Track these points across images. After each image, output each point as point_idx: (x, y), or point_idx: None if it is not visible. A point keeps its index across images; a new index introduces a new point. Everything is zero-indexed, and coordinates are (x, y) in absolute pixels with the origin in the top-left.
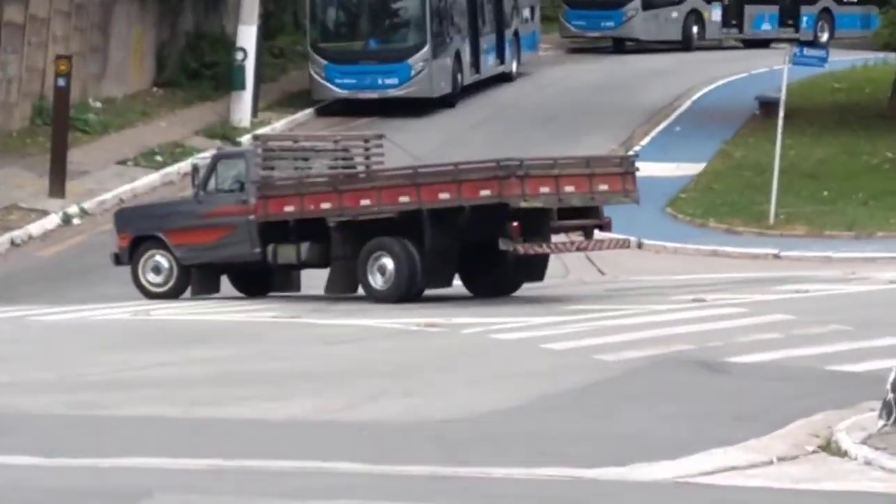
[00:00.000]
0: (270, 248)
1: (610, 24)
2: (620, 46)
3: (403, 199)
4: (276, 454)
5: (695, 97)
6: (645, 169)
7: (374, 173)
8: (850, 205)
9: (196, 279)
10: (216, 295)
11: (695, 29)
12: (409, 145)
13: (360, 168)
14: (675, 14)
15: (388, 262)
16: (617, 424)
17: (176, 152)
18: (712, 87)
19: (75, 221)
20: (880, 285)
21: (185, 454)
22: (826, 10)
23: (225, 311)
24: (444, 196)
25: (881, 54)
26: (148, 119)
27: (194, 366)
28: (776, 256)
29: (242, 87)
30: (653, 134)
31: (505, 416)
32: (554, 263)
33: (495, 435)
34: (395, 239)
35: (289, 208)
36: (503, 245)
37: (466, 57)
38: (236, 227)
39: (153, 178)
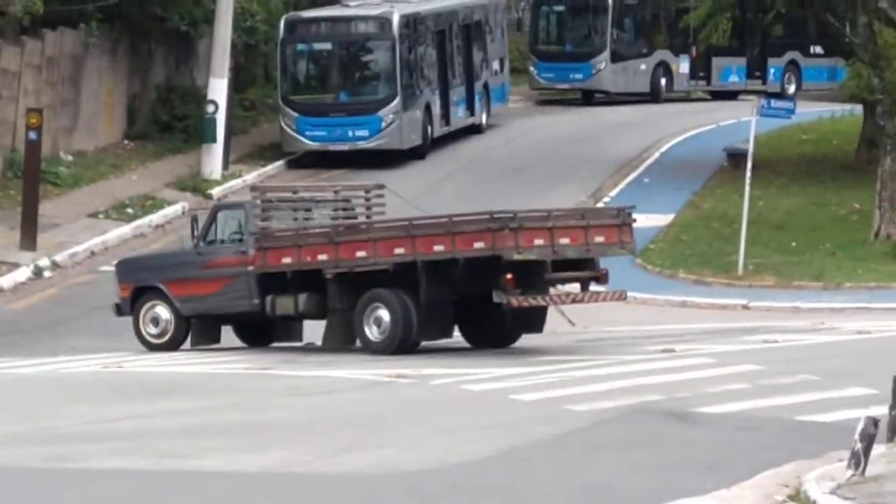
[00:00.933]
0: (269, 299)
1: (579, 76)
2: (589, 98)
3: (399, 250)
4: None
5: (663, 149)
6: None
7: (369, 225)
8: (818, 255)
9: (196, 330)
10: (215, 346)
11: (663, 81)
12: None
13: (362, 219)
14: (643, 66)
15: (384, 314)
16: (588, 475)
17: (147, 205)
18: (681, 138)
19: (46, 274)
20: (848, 335)
21: None
22: (793, 62)
23: (196, 363)
24: (438, 248)
25: (848, 106)
26: (119, 172)
27: (165, 418)
28: (745, 307)
29: (213, 139)
30: (622, 185)
31: (477, 468)
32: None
33: (467, 486)
34: (391, 291)
35: (286, 259)
36: (497, 297)
37: (436, 109)
38: (235, 278)
39: (124, 230)
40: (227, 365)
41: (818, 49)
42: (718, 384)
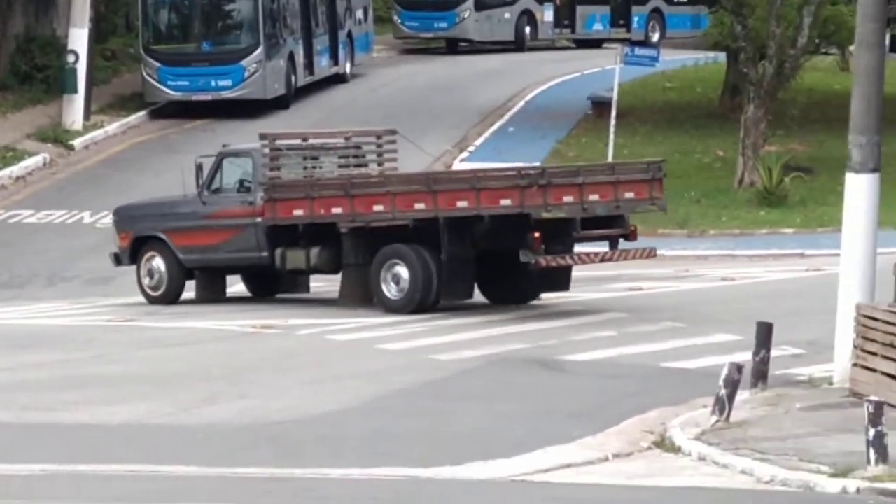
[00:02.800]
0: (279, 252)
1: (443, 24)
2: (454, 47)
3: (419, 205)
4: (111, 458)
5: (528, 97)
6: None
7: (387, 178)
8: (683, 203)
9: (201, 284)
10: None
11: (527, 29)
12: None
13: (373, 167)
14: (507, 15)
15: (403, 271)
16: (452, 424)
17: (7, 156)
18: (545, 87)
19: None
20: (712, 283)
21: (19, 460)
22: (657, 10)
23: (58, 316)
24: (462, 204)
25: (711, 54)
26: None
27: (27, 371)
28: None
29: (74, 90)
30: (486, 134)
31: (341, 417)
32: None
33: (332, 436)
34: (410, 247)
35: (298, 212)
36: (524, 257)
37: (300, 58)
38: (242, 230)
39: None
40: (88, 318)
41: None
42: (584, 332)
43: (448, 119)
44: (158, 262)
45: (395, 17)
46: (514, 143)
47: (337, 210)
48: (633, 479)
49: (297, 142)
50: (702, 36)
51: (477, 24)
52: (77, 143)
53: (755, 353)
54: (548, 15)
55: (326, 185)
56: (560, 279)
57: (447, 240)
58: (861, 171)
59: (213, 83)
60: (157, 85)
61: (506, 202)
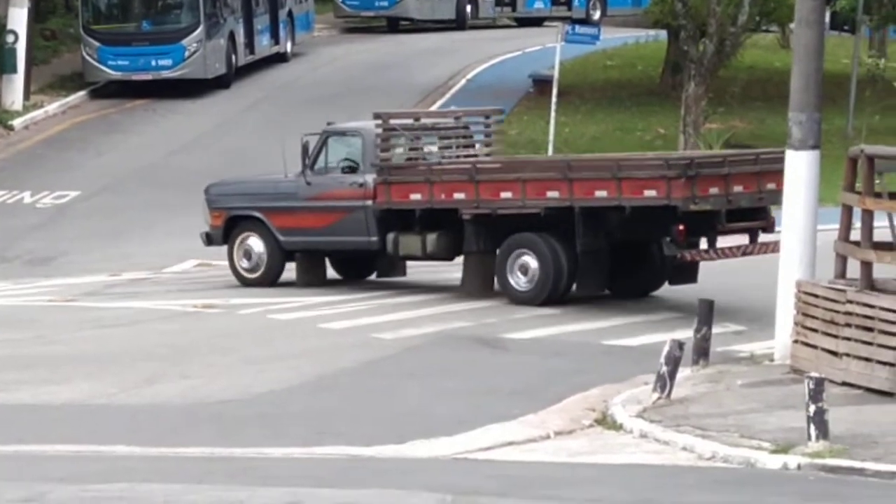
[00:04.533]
0: (391, 237)
1: (384, 3)
2: (395, 26)
3: (552, 194)
4: (53, 438)
5: (469, 76)
6: None
7: (519, 164)
8: None
9: (302, 267)
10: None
11: (468, 8)
12: (184, 127)
13: (479, 146)
14: None
15: (532, 262)
16: (395, 402)
17: None
18: (486, 65)
19: None
20: None
21: None
22: None
23: (0, 296)
24: (601, 194)
25: (652, 32)
26: None
27: None
28: None
29: (14, 70)
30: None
31: (283, 397)
32: None
33: (273, 415)
34: (540, 236)
35: (415, 196)
36: (668, 250)
37: (241, 38)
38: (350, 213)
39: None
40: (31, 298)
41: None
42: (526, 310)
43: (389, 98)
44: (255, 244)
45: None
46: None
47: (460, 196)
48: (575, 456)
49: (409, 121)
50: (643, 14)
51: (418, 3)
52: (17, 123)
53: (697, 330)
54: None
55: (449, 169)
56: (689, 272)
57: (582, 231)
58: (801, 148)
59: (153, 63)
60: (97, 65)
61: (650, 193)
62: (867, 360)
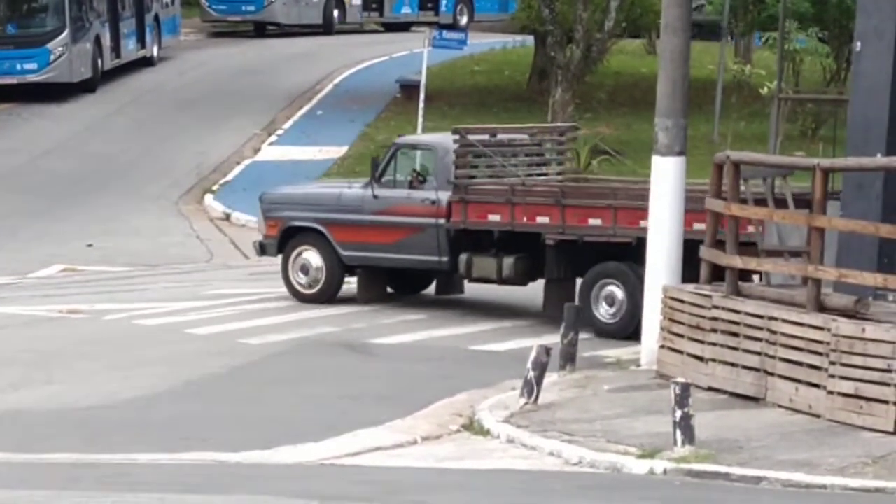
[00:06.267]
0: (464, 258)
1: (251, 8)
2: (262, 30)
3: (646, 223)
4: None
5: (336, 80)
6: (287, 153)
7: (612, 190)
8: None
9: (363, 284)
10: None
11: (336, 13)
12: (50, 132)
13: (553, 164)
14: None
15: (618, 292)
16: (262, 408)
17: None
18: (354, 70)
19: None
20: None
21: None
22: None
23: None
24: (700, 227)
25: (519, 37)
26: None
27: None
28: None
29: None
30: (295, 118)
31: (149, 402)
32: (198, 248)
33: (139, 421)
34: (628, 266)
35: (494, 217)
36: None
37: (106, 41)
38: (420, 230)
39: None
40: None
41: None
42: (393, 315)
43: (256, 103)
44: (313, 257)
45: (203, 1)
46: (323, 126)
47: (543, 219)
48: (443, 461)
49: (485, 137)
50: (510, 19)
51: (285, 8)
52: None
53: (563, 336)
54: None
55: (533, 190)
56: None
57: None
58: (667, 153)
59: (17, 66)
60: None
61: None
62: (733, 365)
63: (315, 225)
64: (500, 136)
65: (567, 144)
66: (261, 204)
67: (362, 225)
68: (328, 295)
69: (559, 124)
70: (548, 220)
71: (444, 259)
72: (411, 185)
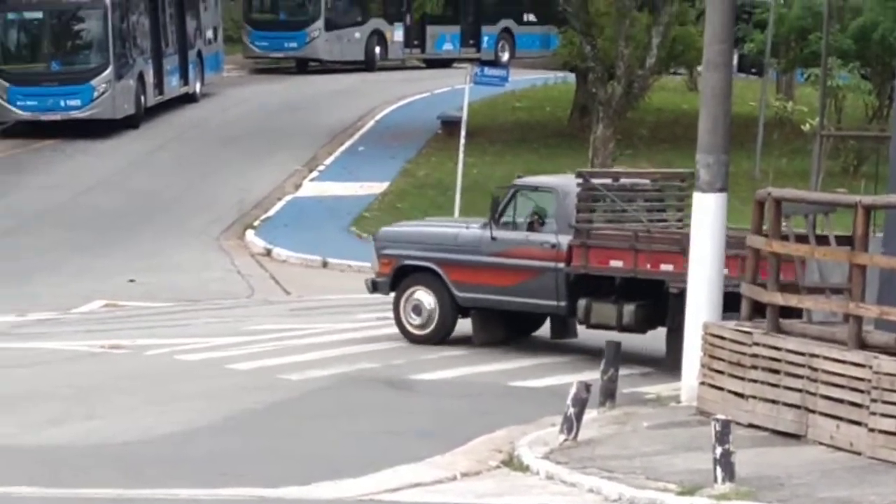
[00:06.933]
0: (582, 304)
1: (293, 44)
2: (304, 67)
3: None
4: None
5: (378, 117)
6: (328, 189)
7: (737, 238)
8: None
9: (479, 325)
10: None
11: (377, 49)
12: (93, 168)
13: (672, 210)
14: (357, 34)
15: None
16: (301, 443)
17: None
18: (395, 106)
19: None
20: None
21: None
22: (507, 30)
23: None
24: None
25: (561, 74)
26: None
27: None
28: None
29: None
30: (336, 154)
31: (187, 437)
32: (239, 283)
33: (177, 456)
34: None
35: (616, 263)
36: None
37: (150, 78)
38: (539, 274)
39: None
40: None
41: (531, 17)
42: (433, 351)
43: (298, 138)
44: (426, 297)
45: (246, 37)
46: (364, 162)
47: (667, 267)
48: (483, 497)
49: (608, 181)
50: (551, 56)
51: (327, 44)
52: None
53: (603, 372)
54: (398, 35)
55: (656, 237)
56: None
57: None
58: (708, 190)
59: (62, 103)
60: (6, 105)
61: None
62: (773, 402)
63: (430, 265)
64: (623, 181)
65: (687, 191)
66: (375, 241)
67: (479, 266)
68: (440, 336)
69: (679, 170)
70: (672, 267)
71: (562, 304)
72: (530, 228)
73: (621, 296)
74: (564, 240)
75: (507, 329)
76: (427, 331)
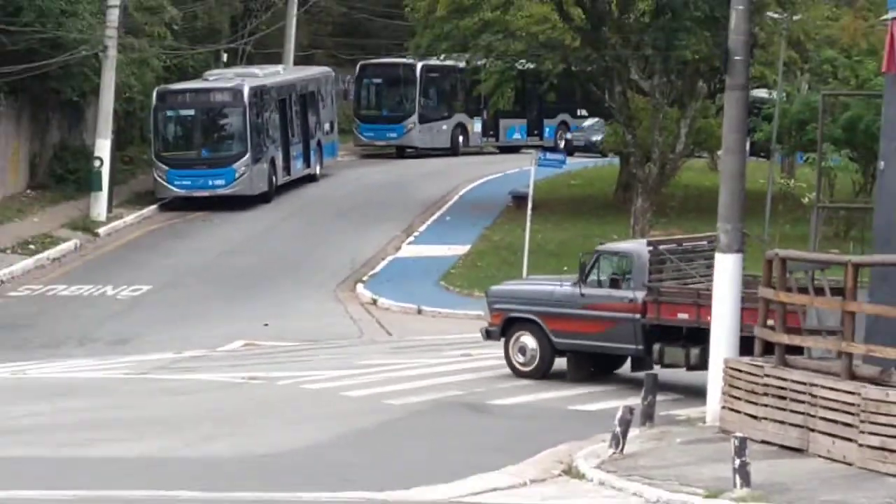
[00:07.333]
0: (657, 347)
1: (393, 135)
2: (402, 153)
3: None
4: (130, 486)
5: (461, 192)
6: (422, 251)
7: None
8: None
9: (573, 365)
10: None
11: (460, 138)
12: (234, 234)
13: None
14: (444, 126)
15: None
16: (402, 456)
17: (46, 242)
18: (475, 184)
19: None
20: None
21: (56, 487)
22: (564, 122)
23: (87, 370)
24: None
25: (607, 158)
26: (23, 215)
27: (61, 415)
28: None
29: (100, 188)
30: (429, 222)
31: (311, 451)
32: (351, 327)
33: (305, 467)
34: None
35: (682, 315)
36: None
37: (279, 162)
38: (620, 323)
39: (27, 263)
40: (111, 371)
41: (583, 112)
42: (507, 381)
43: (398, 210)
44: (529, 341)
45: (356, 129)
46: (451, 228)
47: None
48: (547, 500)
49: (674, 246)
50: (599, 142)
51: (420, 134)
52: (102, 231)
53: (643, 398)
54: (476, 126)
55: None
56: None
57: None
58: (727, 251)
59: (210, 182)
60: (166, 184)
61: None
62: (781, 422)
63: (532, 316)
64: (685, 245)
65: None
66: (487, 298)
67: (572, 317)
68: (542, 372)
69: (713, 233)
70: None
71: (640, 347)
72: (612, 285)
73: (688, 341)
74: (640, 295)
75: (596, 367)
76: (530, 368)
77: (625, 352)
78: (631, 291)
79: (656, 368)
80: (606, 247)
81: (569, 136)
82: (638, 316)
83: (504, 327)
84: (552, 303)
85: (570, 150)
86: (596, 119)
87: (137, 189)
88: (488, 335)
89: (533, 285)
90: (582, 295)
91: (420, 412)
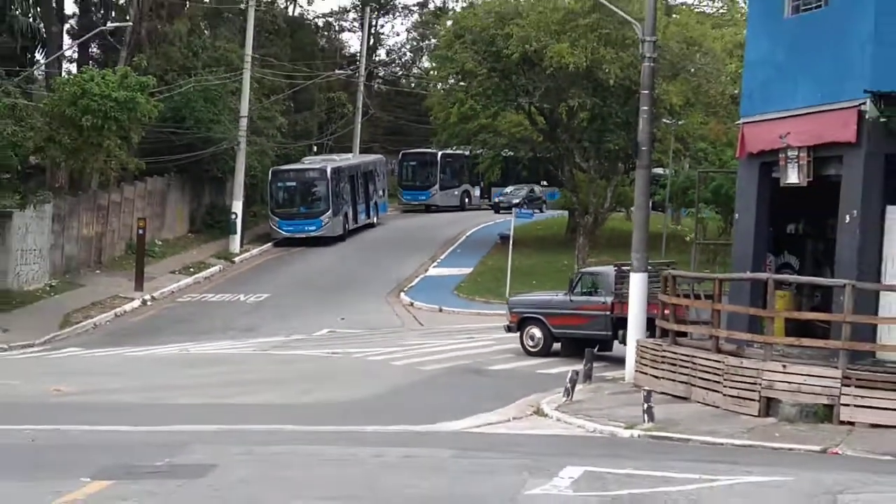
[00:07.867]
0: (621, 333)
1: (423, 198)
2: (429, 209)
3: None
4: (255, 422)
5: (468, 234)
6: (442, 272)
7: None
8: (547, 286)
9: (565, 346)
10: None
11: (466, 199)
12: (320, 261)
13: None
14: (456, 192)
15: None
16: (432, 401)
17: (200, 266)
18: (475, 228)
19: (148, 303)
20: None
21: (207, 422)
22: (532, 189)
23: (227, 348)
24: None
25: (560, 211)
26: (186, 250)
27: (210, 377)
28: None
29: (235, 232)
30: (447, 252)
31: (375, 399)
32: (396, 320)
33: (371, 408)
34: None
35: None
36: None
37: (350, 214)
38: (596, 318)
39: (188, 280)
40: (242, 349)
41: (545, 182)
42: (497, 354)
43: (427, 245)
44: (536, 332)
45: (399, 194)
46: (461, 258)
47: (655, 312)
48: (524, 430)
49: (627, 268)
50: (555, 202)
51: (441, 197)
52: (236, 259)
53: (585, 365)
54: (476, 192)
55: (656, 297)
56: None
57: None
58: (637, 272)
59: (305, 228)
60: (277, 229)
61: None
62: (673, 380)
63: (538, 315)
64: (649, 267)
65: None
66: (508, 304)
67: (564, 315)
68: (545, 352)
69: (668, 260)
70: (656, 312)
71: (609, 333)
72: (590, 294)
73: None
74: (609, 299)
75: (579, 347)
76: (537, 349)
77: (600, 336)
78: (604, 297)
79: (615, 344)
80: (586, 269)
81: (495, 198)
82: (608, 313)
83: (519, 323)
84: (551, 306)
85: (497, 209)
86: (514, 187)
87: (259, 232)
88: (509, 329)
89: (538, 296)
90: (571, 301)
91: (441, 374)
